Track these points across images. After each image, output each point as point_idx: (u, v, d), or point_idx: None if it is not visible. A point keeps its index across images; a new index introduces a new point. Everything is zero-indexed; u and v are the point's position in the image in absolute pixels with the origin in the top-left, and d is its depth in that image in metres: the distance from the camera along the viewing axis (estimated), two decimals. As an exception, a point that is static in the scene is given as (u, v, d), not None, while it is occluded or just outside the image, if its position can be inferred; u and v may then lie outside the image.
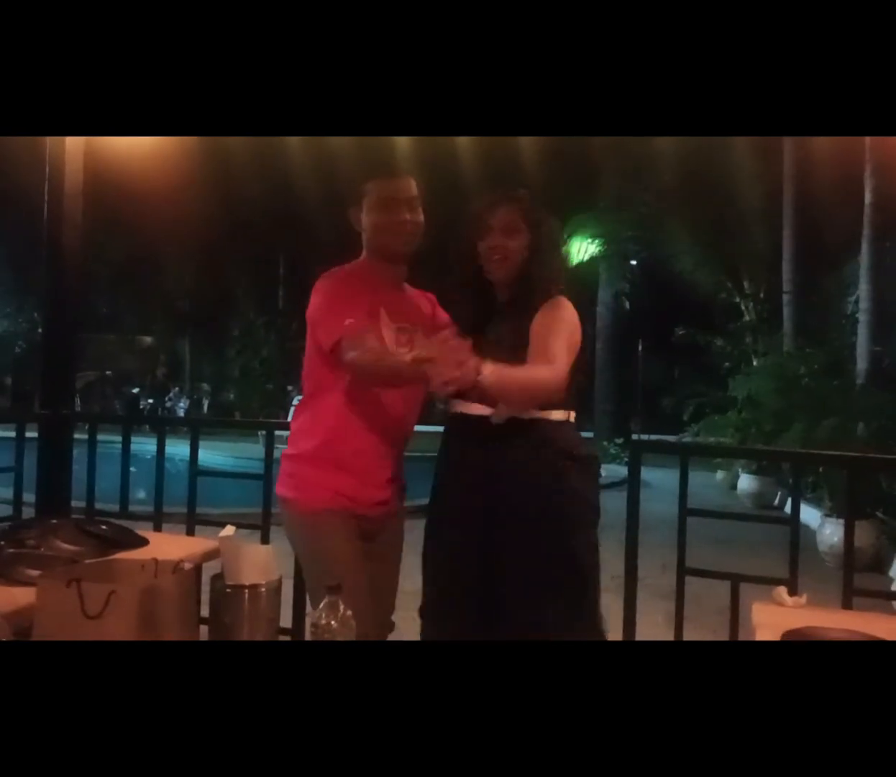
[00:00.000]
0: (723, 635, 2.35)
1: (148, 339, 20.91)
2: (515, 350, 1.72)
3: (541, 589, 1.75)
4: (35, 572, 1.76)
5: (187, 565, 1.70)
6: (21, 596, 1.71)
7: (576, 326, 1.80)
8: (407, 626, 1.99)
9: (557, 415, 1.80)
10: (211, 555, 2.20)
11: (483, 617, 1.74)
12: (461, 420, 1.83)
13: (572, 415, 1.85)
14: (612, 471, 10.74)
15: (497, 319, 1.86)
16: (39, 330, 3.11)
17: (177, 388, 18.88)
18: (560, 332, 1.75)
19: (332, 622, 1.28)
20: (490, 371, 1.50)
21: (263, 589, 1.70)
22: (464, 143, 11.25)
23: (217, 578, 1.72)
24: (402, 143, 11.50)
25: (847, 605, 2.12)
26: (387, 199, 1.79)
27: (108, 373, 18.99)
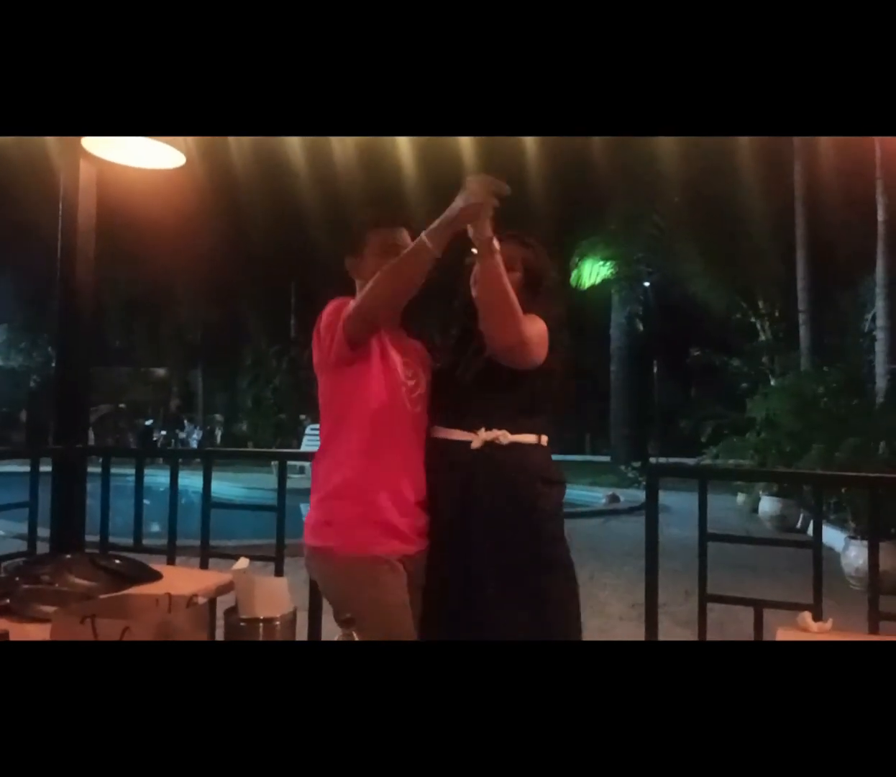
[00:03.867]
0: (748, 663, 2.31)
1: (161, 371, 21.10)
2: (490, 378, 1.87)
3: (514, 610, 1.80)
4: (50, 608, 1.76)
5: (201, 600, 1.70)
6: (36, 632, 1.71)
7: (544, 337, 1.87)
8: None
9: (529, 438, 1.90)
10: (225, 588, 2.20)
11: (457, 633, 1.80)
12: (441, 446, 1.92)
13: (544, 438, 1.94)
14: (630, 495, 10.67)
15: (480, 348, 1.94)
16: (53, 365, 3.14)
17: (187, 422, 18.96)
18: (533, 320, 1.84)
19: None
20: (498, 246, 1.70)
21: (278, 622, 1.70)
22: (471, 167, 11.39)
23: (231, 612, 1.72)
24: (410, 172, 11.66)
25: (874, 629, 2.09)
26: (391, 246, 1.90)
27: (121, 405, 19.14)
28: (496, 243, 1.73)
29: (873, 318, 8.33)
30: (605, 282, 15.29)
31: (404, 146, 11.20)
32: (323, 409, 1.94)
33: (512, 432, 1.87)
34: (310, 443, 13.07)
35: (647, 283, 15.76)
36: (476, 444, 1.86)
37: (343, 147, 12.07)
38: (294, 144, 11.80)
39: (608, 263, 15.08)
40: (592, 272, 15.14)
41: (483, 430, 1.86)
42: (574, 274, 15.17)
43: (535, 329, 1.82)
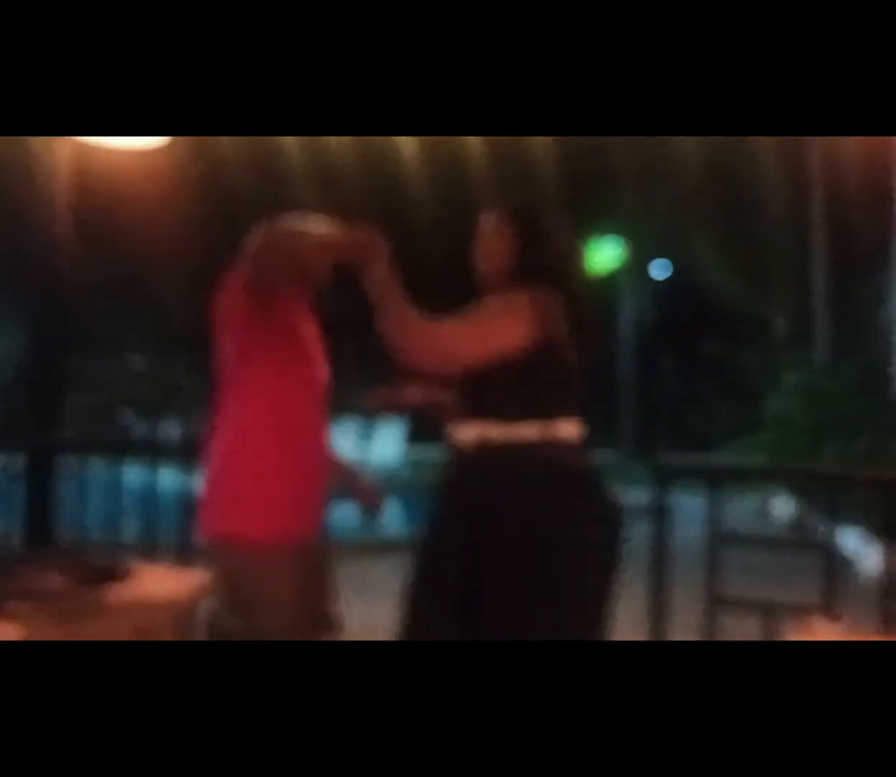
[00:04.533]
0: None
1: (143, 363, 21.06)
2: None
3: (523, 604, 1.67)
4: (23, 606, 1.75)
5: (178, 597, 1.69)
6: (9, 630, 1.71)
7: (502, 320, 1.76)
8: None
9: (529, 430, 1.76)
10: (205, 588, 2.19)
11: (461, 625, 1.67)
12: (450, 448, 1.86)
13: (553, 428, 1.77)
14: (637, 493, 10.67)
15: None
16: (29, 355, 3.14)
17: (171, 415, 18.93)
18: (476, 314, 1.78)
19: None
20: (382, 270, 1.69)
21: (262, 622, 1.69)
22: (483, 156, 11.38)
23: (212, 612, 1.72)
24: (415, 157, 11.64)
25: (888, 632, 2.09)
26: None
27: (101, 398, 19.10)
28: (379, 266, 1.71)
29: (891, 313, 8.32)
30: (614, 272, 15.30)
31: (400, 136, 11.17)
32: (227, 384, 1.94)
33: (506, 424, 1.75)
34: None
35: (658, 275, 15.77)
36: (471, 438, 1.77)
37: (337, 136, 12.05)
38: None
39: (619, 253, 15.10)
40: (602, 263, 15.15)
41: (475, 424, 1.77)
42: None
43: (443, 334, 1.74)
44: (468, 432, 1.78)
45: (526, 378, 1.75)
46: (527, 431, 1.74)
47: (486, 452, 1.75)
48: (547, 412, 1.75)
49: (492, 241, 1.90)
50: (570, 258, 1.97)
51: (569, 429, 1.78)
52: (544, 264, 1.88)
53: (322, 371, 2.01)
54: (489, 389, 1.76)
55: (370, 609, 3.71)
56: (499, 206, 1.97)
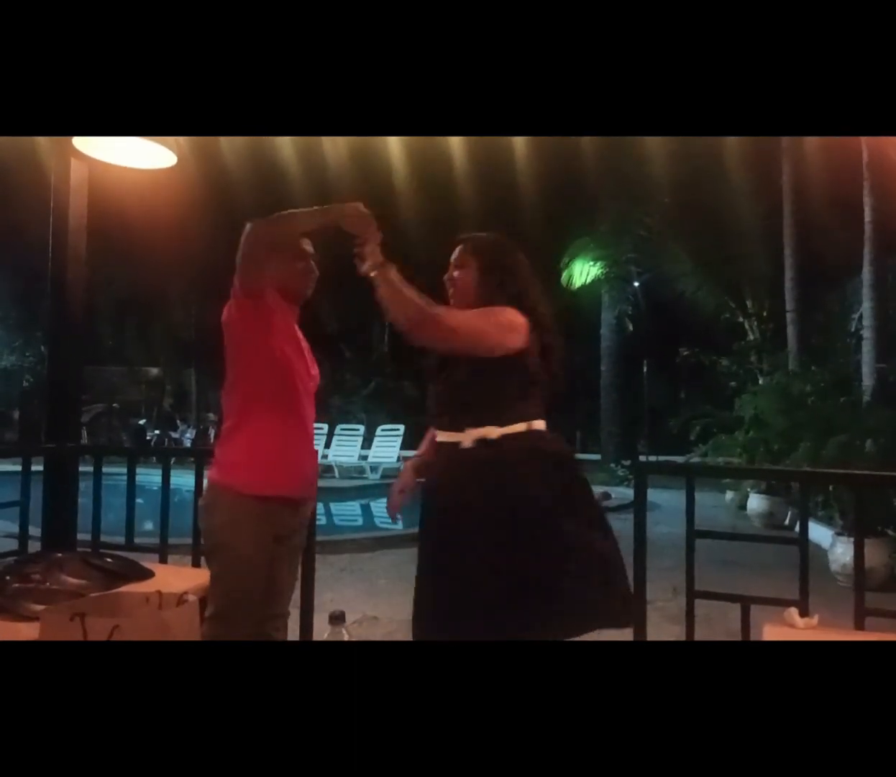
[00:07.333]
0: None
1: (154, 371, 20.99)
2: (463, 383, 1.90)
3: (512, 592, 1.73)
4: (40, 607, 1.75)
5: (191, 597, 1.69)
6: (26, 631, 1.70)
7: (501, 319, 1.87)
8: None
9: (517, 427, 1.88)
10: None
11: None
12: (438, 448, 1.96)
13: (535, 424, 1.90)
14: (620, 493, 10.69)
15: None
16: (46, 363, 3.13)
17: (181, 421, 18.91)
18: (481, 311, 1.88)
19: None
20: (381, 270, 1.81)
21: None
22: (462, 168, 11.39)
23: (222, 610, 1.71)
24: (402, 171, 11.65)
25: (859, 625, 2.10)
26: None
27: (114, 405, 19.05)
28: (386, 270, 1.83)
29: (860, 318, 8.35)
30: (595, 282, 15.30)
31: (397, 145, 11.17)
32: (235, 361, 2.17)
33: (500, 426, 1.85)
34: (340, 443, 12.97)
35: (637, 284, 15.78)
36: (465, 444, 1.86)
37: (335, 146, 12.04)
38: (286, 143, 11.76)
39: (598, 264, 15.10)
40: (583, 272, 15.15)
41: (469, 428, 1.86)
42: (564, 274, 15.18)
43: (463, 318, 1.85)
44: (467, 437, 1.85)
45: (507, 386, 1.87)
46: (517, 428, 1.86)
47: (483, 447, 1.84)
48: (526, 417, 1.89)
49: (459, 271, 1.99)
50: (530, 290, 1.99)
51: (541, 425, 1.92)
52: (508, 295, 1.94)
53: (313, 367, 2.23)
54: (476, 401, 1.86)
55: (368, 601, 3.71)
56: (465, 239, 2.03)
